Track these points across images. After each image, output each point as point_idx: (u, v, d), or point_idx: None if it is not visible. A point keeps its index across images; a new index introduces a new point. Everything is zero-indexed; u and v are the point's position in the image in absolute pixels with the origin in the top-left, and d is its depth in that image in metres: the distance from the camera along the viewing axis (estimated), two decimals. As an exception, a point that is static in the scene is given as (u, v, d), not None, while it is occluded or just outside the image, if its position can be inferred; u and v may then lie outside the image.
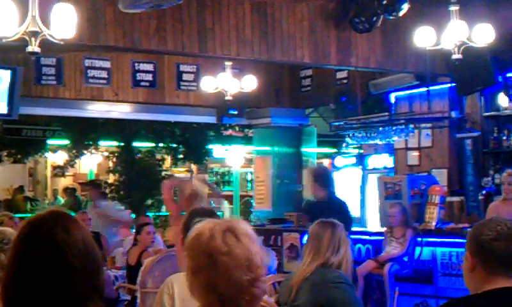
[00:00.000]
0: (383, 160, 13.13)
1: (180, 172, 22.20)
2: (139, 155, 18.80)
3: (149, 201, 18.29)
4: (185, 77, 12.82)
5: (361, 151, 14.25)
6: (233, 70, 11.55)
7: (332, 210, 8.06)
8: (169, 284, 3.96)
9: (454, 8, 8.27)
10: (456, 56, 8.27)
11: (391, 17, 8.90)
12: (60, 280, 2.17)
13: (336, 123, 11.95)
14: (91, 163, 20.57)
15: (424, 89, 11.32)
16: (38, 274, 2.17)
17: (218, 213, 4.77)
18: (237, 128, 18.98)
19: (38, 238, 2.22)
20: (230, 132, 19.43)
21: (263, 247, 2.58)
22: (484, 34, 8.26)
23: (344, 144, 12.92)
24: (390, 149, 12.75)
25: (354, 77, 12.40)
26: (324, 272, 4.71)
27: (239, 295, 2.48)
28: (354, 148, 14.67)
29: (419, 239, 9.90)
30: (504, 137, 11.00)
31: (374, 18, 9.05)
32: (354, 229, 9.64)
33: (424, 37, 8.39)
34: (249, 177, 22.67)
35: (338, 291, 4.68)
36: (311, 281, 4.73)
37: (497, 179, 10.49)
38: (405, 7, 8.62)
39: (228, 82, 11.42)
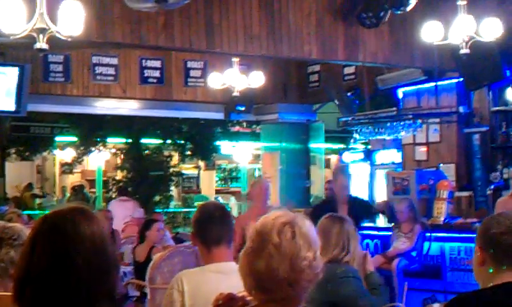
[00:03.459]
0: (391, 156, 13.13)
1: (187, 168, 22.24)
2: (146, 152, 18.82)
3: (157, 198, 18.32)
4: (192, 73, 12.84)
5: (369, 146, 14.25)
6: (241, 66, 11.53)
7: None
8: (179, 280, 3.94)
9: (461, 2, 8.24)
10: (463, 51, 8.23)
11: (399, 12, 8.88)
12: (61, 278, 2.11)
13: (344, 119, 11.93)
14: (99, 160, 20.58)
15: (432, 84, 11.30)
16: (40, 270, 2.13)
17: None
18: (244, 125, 18.99)
19: (44, 234, 2.19)
20: (237, 128, 19.45)
21: (319, 257, 2.58)
22: (492, 29, 8.22)
23: (352, 140, 12.92)
24: (398, 144, 12.74)
25: (362, 72, 12.39)
26: (332, 267, 4.70)
27: (274, 288, 2.50)
28: (362, 143, 14.67)
29: (428, 234, 9.88)
30: (512, 132, 10.98)
31: (382, 13, 9.03)
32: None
33: (431, 32, 8.36)
34: (256, 173, 22.68)
35: (347, 285, 4.68)
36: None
37: (505, 174, 10.49)
38: (413, 2, 8.60)
39: (235, 78, 11.40)
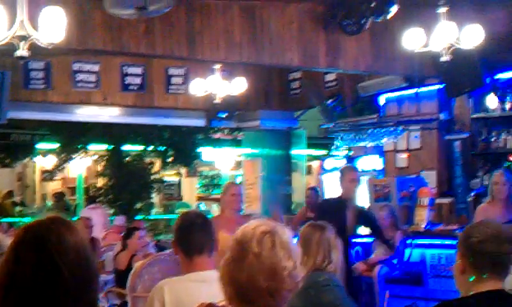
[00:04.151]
0: (373, 162, 13.14)
1: (169, 175, 22.15)
2: (128, 159, 18.71)
3: (138, 205, 18.23)
4: (174, 80, 12.81)
5: (351, 153, 14.26)
6: (223, 72, 11.51)
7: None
8: (161, 289, 3.92)
9: (442, 10, 8.29)
10: (444, 58, 8.28)
11: (380, 19, 8.91)
12: (47, 288, 2.11)
13: (326, 126, 11.95)
14: (80, 167, 20.46)
15: (413, 91, 11.34)
16: (24, 281, 2.12)
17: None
18: (226, 131, 18.93)
19: (28, 244, 2.17)
20: (219, 135, 19.39)
21: (299, 265, 2.59)
22: (472, 36, 8.27)
23: (334, 147, 12.93)
24: (380, 151, 12.76)
25: (343, 79, 12.41)
26: (315, 275, 4.70)
27: (255, 298, 2.52)
28: (343, 150, 14.68)
29: (409, 241, 9.90)
30: (493, 139, 11.02)
31: (363, 21, 9.05)
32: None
33: (412, 39, 8.40)
34: (238, 180, 22.63)
35: (329, 293, 4.67)
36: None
37: (486, 181, 10.51)
38: (394, 9, 8.62)
39: (217, 85, 11.38)
